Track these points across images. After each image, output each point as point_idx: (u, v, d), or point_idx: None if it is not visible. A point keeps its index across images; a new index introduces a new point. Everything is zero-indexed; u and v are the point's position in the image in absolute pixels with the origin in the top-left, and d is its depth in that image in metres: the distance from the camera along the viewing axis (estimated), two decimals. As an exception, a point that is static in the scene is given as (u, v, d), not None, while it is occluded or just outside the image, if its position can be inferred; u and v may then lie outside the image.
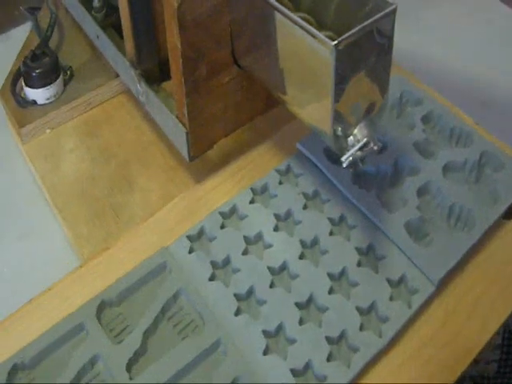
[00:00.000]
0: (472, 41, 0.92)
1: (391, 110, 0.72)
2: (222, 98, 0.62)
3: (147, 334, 0.54)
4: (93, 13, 0.76)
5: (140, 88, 0.68)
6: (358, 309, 0.55)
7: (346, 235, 0.61)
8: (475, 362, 0.55)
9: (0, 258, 0.67)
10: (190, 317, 0.56)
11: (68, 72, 0.78)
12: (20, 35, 0.89)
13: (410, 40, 0.83)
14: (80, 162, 0.72)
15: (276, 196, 0.64)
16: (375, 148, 0.52)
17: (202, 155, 0.66)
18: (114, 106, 0.79)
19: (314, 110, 0.53)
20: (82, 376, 0.52)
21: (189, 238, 0.60)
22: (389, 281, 0.57)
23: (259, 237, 0.61)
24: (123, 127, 0.76)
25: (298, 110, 0.56)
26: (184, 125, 0.61)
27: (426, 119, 0.71)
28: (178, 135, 0.63)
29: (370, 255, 0.60)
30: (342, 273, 0.58)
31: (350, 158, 0.50)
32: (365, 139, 0.51)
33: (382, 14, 0.48)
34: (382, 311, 0.55)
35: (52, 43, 0.80)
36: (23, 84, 0.75)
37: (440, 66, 0.80)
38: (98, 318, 0.55)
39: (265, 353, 0.52)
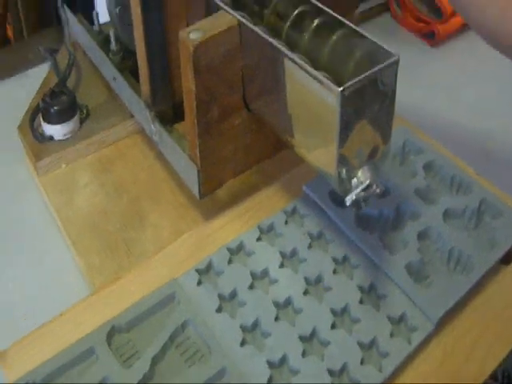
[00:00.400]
0: (476, 94, 0.95)
1: (394, 157, 0.75)
2: (233, 140, 0.65)
3: (155, 360, 0.56)
4: (110, 56, 0.80)
5: (154, 128, 0.71)
6: (360, 344, 0.57)
7: (349, 274, 0.63)
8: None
9: (13, 284, 0.69)
10: (196, 346, 0.58)
11: (84, 111, 0.82)
12: (37, 75, 0.92)
13: (415, 94, 0.87)
14: (93, 197, 0.75)
15: (282, 235, 0.66)
16: (378, 190, 0.55)
17: (212, 194, 0.69)
18: (128, 145, 0.82)
19: (320, 153, 0.56)
20: None
21: (197, 271, 0.62)
22: (389, 318, 0.59)
23: (265, 273, 0.63)
24: (136, 165, 0.79)
25: (304, 153, 0.59)
26: (196, 164, 0.64)
27: (427, 168, 0.74)
28: (190, 173, 0.66)
29: (371, 294, 0.62)
30: (345, 309, 0.60)
31: (354, 198, 0.53)
32: (368, 181, 0.53)
33: (386, 63, 0.51)
34: (382, 347, 0.57)
35: (69, 83, 0.84)
36: (41, 120, 0.78)
37: (443, 120, 0.83)
38: (108, 343, 0.57)
39: (269, 382, 0.54)
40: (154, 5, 0.62)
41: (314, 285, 0.62)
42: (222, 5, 0.59)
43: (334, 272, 0.63)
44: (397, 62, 0.52)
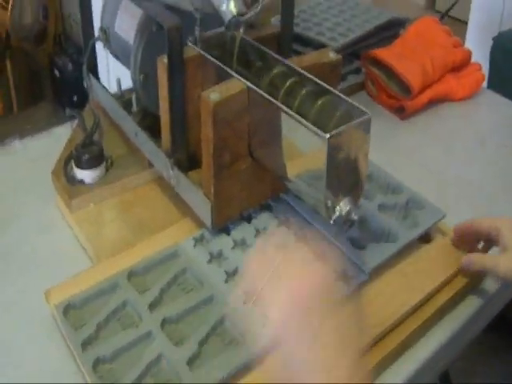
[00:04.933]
0: (437, 158, 1.12)
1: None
2: (239, 181, 0.81)
3: (162, 291, 0.76)
4: (131, 116, 0.97)
5: (172, 173, 0.86)
6: None
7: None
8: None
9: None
10: (193, 284, 0.78)
11: (109, 161, 0.97)
12: (60, 132, 1.09)
13: (384, 158, 1.02)
14: (119, 231, 0.89)
15: (256, 218, 0.86)
16: (355, 217, 0.71)
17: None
18: (146, 190, 0.97)
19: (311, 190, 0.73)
20: (116, 313, 0.74)
21: (194, 238, 0.82)
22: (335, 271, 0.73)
23: (243, 241, 0.82)
24: (153, 206, 0.94)
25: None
26: (210, 200, 0.79)
27: (368, 177, 0.91)
28: (204, 209, 0.81)
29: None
30: None
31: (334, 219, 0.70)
32: (347, 208, 0.70)
33: (361, 118, 0.68)
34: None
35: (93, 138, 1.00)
36: (74, 166, 0.93)
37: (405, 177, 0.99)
38: (128, 280, 0.77)
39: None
40: (177, 71, 0.79)
41: None
42: (232, 73, 0.76)
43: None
44: (369, 119, 0.70)
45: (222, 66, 0.78)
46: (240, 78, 0.75)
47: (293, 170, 0.77)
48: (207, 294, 0.75)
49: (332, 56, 0.82)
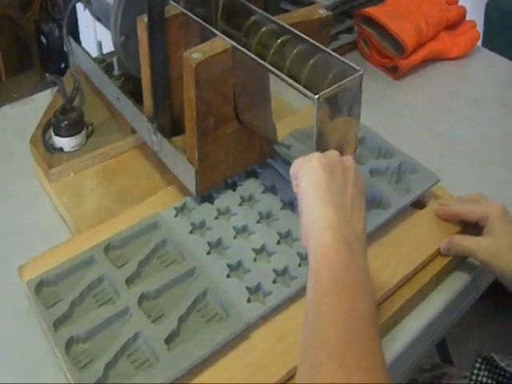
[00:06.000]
0: (431, 119, 1.09)
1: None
2: (225, 146, 0.77)
3: (141, 264, 0.73)
4: (112, 80, 0.92)
5: (156, 139, 0.82)
6: (298, 254, 0.73)
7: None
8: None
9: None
10: (173, 257, 0.75)
11: (90, 127, 0.93)
12: (42, 99, 1.05)
13: (376, 119, 0.99)
14: (100, 200, 0.86)
15: (242, 185, 0.83)
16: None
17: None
18: (128, 158, 0.93)
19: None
20: (91, 289, 0.70)
21: (175, 208, 0.79)
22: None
23: (227, 210, 0.80)
24: (136, 174, 0.90)
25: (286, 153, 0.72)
26: (194, 166, 0.75)
27: (360, 141, 0.88)
28: (188, 175, 0.77)
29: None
30: (288, 233, 0.76)
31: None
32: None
33: (353, 77, 0.64)
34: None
35: (74, 104, 0.95)
36: (52, 133, 0.89)
37: (400, 139, 0.95)
38: (105, 254, 0.73)
39: (227, 276, 0.71)
40: (158, 31, 0.74)
41: (266, 218, 0.79)
42: (216, 32, 0.72)
43: (281, 209, 0.79)
44: (361, 76, 0.65)
45: (205, 24, 0.74)
46: (224, 37, 0.71)
47: (283, 129, 0.73)
48: (188, 267, 0.72)
49: (322, 12, 0.77)
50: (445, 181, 0.85)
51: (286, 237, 0.76)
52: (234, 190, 0.82)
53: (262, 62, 0.67)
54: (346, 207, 0.59)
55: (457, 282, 0.79)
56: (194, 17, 0.75)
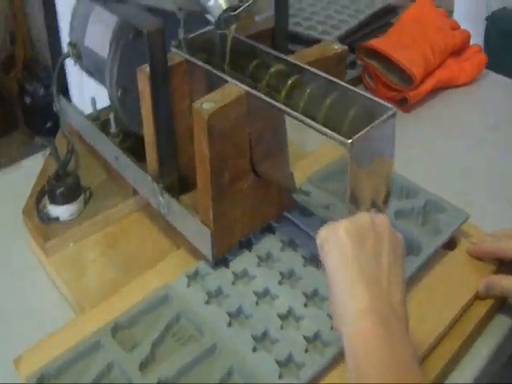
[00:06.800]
0: (444, 150, 1.02)
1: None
2: (241, 203, 0.69)
3: (154, 345, 0.64)
4: (109, 138, 0.84)
5: (162, 200, 0.74)
6: (330, 316, 0.64)
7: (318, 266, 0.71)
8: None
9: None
10: (190, 332, 0.66)
11: (88, 192, 0.85)
12: (30, 165, 0.97)
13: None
14: (104, 270, 0.77)
15: (256, 244, 0.75)
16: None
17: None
18: (131, 222, 0.84)
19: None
20: (99, 381, 0.61)
21: (187, 276, 0.71)
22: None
23: (245, 272, 0.72)
24: (141, 239, 0.82)
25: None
26: (209, 227, 0.67)
27: None
28: (203, 237, 0.69)
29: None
30: (315, 292, 0.69)
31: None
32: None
33: (386, 115, 0.57)
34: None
35: (68, 167, 0.87)
36: (47, 202, 0.81)
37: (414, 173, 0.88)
38: (113, 336, 0.65)
39: (253, 351, 0.62)
40: (161, 82, 0.67)
41: (288, 278, 0.71)
42: (227, 78, 0.64)
43: (304, 266, 0.72)
44: (395, 113, 0.58)
45: (213, 70, 0.67)
46: (237, 82, 0.64)
47: (299, 175, 0.66)
48: (208, 344, 0.63)
49: (337, 48, 0.71)
50: (472, 216, 0.78)
51: (313, 297, 0.69)
52: (249, 250, 0.74)
53: (283, 106, 0.60)
54: (381, 280, 0.54)
55: (500, 326, 0.72)
56: (200, 63, 0.67)
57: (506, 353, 0.75)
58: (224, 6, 0.63)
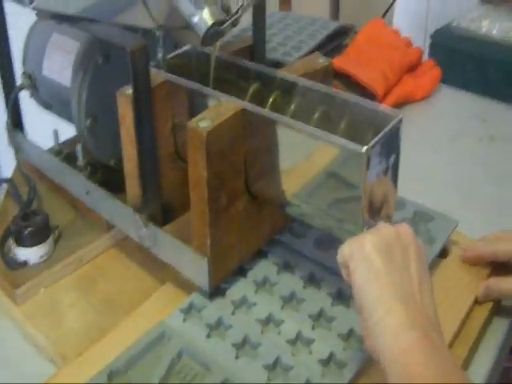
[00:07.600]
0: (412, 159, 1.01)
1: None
2: (238, 226, 0.65)
3: None
4: (77, 172, 0.78)
5: (146, 231, 0.69)
6: (340, 336, 0.63)
7: (318, 287, 0.69)
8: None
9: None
10: (194, 370, 0.61)
11: (57, 231, 0.78)
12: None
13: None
14: (83, 316, 0.70)
15: (251, 269, 0.71)
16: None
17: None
18: (107, 260, 0.78)
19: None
20: None
21: (181, 310, 0.65)
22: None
23: (244, 300, 0.67)
24: (120, 277, 0.76)
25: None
26: (205, 255, 0.62)
27: None
28: (198, 267, 0.64)
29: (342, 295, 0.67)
30: (320, 312, 0.65)
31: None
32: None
33: (395, 120, 0.55)
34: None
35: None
36: (14, 245, 0.74)
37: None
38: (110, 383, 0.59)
39: (268, 382, 0.59)
40: (145, 104, 0.62)
41: (290, 301, 0.67)
42: (220, 95, 0.61)
43: (304, 288, 0.68)
44: (401, 119, 0.56)
45: (203, 88, 0.63)
46: (233, 97, 0.60)
47: (290, 187, 0.63)
48: (218, 380, 0.59)
49: (323, 61, 0.68)
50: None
51: (319, 318, 0.65)
52: (244, 276, 0.70)
53: (289, 120, 0.57)
54: (414, 293, 0.51)
55: (499, 327, 0.72)
56: (185, 82, 0.63)
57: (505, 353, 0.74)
58: (209, 23, 0.60)
